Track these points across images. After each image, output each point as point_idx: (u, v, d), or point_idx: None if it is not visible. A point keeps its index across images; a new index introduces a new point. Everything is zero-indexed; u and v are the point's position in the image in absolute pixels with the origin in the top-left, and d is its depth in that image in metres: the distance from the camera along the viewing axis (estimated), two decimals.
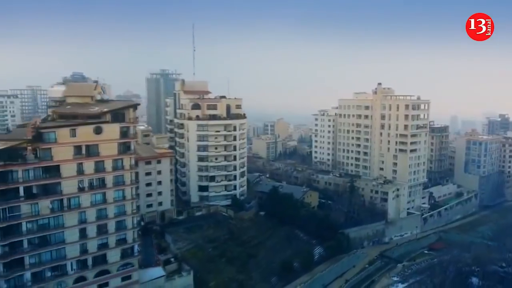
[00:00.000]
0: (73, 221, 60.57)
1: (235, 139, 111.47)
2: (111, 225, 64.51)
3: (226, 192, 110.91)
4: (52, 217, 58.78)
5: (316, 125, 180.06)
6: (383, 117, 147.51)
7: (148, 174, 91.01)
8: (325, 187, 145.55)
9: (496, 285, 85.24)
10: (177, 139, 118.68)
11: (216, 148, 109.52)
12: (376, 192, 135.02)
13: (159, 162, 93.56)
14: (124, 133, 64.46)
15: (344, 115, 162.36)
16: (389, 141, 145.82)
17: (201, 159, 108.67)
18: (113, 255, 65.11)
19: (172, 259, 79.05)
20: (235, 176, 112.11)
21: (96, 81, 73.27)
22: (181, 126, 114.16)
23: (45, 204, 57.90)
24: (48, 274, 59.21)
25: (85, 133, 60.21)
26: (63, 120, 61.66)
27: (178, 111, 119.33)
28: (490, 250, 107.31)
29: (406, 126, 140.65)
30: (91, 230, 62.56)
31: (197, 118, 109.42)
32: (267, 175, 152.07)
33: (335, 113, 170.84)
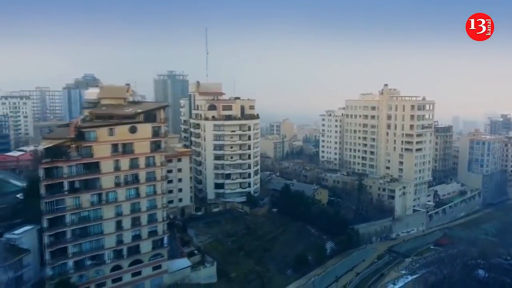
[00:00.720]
0: (110, 214, 65.39)
1: (249, 138, 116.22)
2: (144, 218, 69.30)
3: (240, 190, 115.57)
4: (92, 210, 63.64)
5: (323, 125, 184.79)
6: (389, 117, 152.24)
7: (169, 171, 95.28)
8: (334, 185, 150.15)
9: (501, 276, 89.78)
10: (192, 138, 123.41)
11: (231, 147, 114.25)
12: (384, 189, 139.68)
13: (179, 160, 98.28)
14: (155, 132, 69.28)
15: (351, 115, 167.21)
16: (395, 141, 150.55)
17: (217, 157, 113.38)
18: (145, 246, 69.91)
19: (196, 252, 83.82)
20: (249, 174, 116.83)
21: (128, 84, 78.04)
22: (197, 126, 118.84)
23: (86, 198, 62.73)
24: (88, 262, 64.05)
25: (121, 132, 65.05)
26: (100, 120, 66.40)
27: (193, 111, 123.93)
28: (494, 245, 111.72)
29: (412, 126, 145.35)
30: (126, 222, 67.38)
31: (213, 118, 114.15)
32: (278, 174, 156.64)
33: (342, 114, 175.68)
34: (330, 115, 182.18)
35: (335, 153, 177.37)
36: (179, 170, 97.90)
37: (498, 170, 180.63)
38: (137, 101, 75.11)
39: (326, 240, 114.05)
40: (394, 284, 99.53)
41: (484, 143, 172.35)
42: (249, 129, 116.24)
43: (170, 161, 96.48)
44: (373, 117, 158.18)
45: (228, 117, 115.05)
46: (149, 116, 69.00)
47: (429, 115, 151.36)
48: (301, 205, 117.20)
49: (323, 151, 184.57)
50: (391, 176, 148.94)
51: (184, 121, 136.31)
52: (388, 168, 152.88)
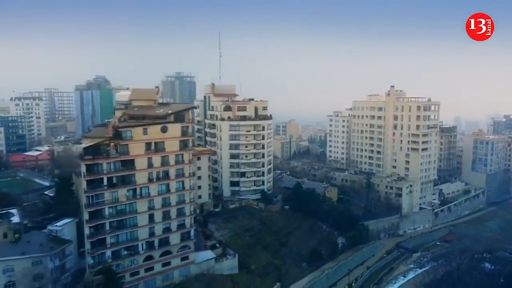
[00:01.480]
0: (143, 208, 70.26)
1: (263, 138, 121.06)
2: (173, 212, 74.17)
3: (255, 187, 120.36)
4: (128, 203, 68.54)
5: (331, 125, 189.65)
6: (395, 117, 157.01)
7: None
8: (342, 183, 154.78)
9: (506, 268, 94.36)
10: (208, 138, 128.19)
11: (246, 147, 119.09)
12: (391, 188, 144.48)
13: (199, 159, 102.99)
14: (184, 132, 74.19)
15: (358, 116, 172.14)
16: (401, 141, 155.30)
17: (233, 156, 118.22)
18: (175, 238, 74.80)
19: (217, 245, 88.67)
20: (263, 172, 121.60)
21: (157, 87, 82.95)
22: (213, 126, 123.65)
23: (122, 193, 67.64)
24: (124, 252, 68.91)
25: (154, 132, 69.96)
26: (134, 121, 71.28)
27: (208, 112, 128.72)
28: (499, 241, 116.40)
29: (418, 126, 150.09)
30: (158, 216, 72.25)
31: (229, 119, 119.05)
32: (288, 173, 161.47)
33: (349, 114, 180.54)
34: (337, 115, 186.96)
35: (342, 153, 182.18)
36: (199, 168, 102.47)
37: (501, 169, 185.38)
38: (166, 103, 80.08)
39: (337, 236, 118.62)
40: (404, 276, 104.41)
41: (488, 143, 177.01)
42: (263, 129, 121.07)
43: None
44: (379, 117, 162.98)
45: (243, 118, 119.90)
46: (178, 116, 73.91)
47: (435, 115, 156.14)
48: (312, 202, 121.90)
49: (330, 151, 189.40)
50: (398, 175, 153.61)
51: (198, 121, 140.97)
52: (394, 167, 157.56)
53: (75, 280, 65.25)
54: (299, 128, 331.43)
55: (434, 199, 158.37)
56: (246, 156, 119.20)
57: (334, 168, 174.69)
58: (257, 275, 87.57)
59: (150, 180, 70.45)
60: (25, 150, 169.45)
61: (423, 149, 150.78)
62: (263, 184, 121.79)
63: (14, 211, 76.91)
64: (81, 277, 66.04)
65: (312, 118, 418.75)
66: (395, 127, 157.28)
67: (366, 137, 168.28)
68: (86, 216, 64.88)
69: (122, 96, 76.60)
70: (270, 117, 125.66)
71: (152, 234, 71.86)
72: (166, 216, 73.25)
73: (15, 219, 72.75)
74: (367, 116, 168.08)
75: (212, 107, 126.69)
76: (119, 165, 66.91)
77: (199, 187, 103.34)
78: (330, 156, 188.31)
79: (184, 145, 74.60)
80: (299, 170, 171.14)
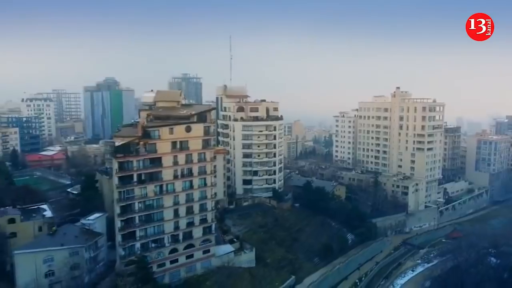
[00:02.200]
0: (169, 203, 74.55)
1: (274, 138, 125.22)
2: (196, 207, 78.45)
3: (267, 185, 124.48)
4: (155, 199, 72.86)
5: (337, 126, 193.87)
6: (401, 118, 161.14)
7: None
8: (349, 182, 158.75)
9: (511, 262, 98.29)
10: (220, 138, 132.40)
11: (258, 146, 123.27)
12: (397, 186, 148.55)
13: (214, 157, 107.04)
14: (206, 131, 78.49)
15: (364, 116, 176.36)
16: (407, 141, 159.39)
17: (246, 156, 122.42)
18: (197, 232, 79.06)
19: (235, 239, 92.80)
20: (274, 171, 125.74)
21: (180, 89, 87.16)
22: (226, 126, 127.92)
23: (150, 188, 71.93)
24: (152, 245, 73.15)
25: (179, 131, 74.26)
26: (159, 121, 75.50)
27: (221, 113, 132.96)
28: (503, 236, 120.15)
29: (423, 127, 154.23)
30: (182, 211, 76.54)
31: (242, 119, 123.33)
32: (296, 172, 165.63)
33: (355, 115, 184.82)
34: (343, 116, 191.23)
35: (349, 153, 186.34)
36: (214, 166, 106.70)
37: (504, 169, 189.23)
38: (188, 104, 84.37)
39: (346, 232, 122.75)
40: (413, 270, 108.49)
41: (491, 143, 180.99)
42: (275, 129, 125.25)
43: None
44: (385, 118, 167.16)
45: (255, 118, 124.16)
46: (201, 117, 78.17)
47: (439, 116, 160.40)
48: (322, 200, 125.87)
49: (336, 151, 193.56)
50: (404, 174, 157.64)
51: None
52: (400, 166, 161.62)
53: (107, 270, 69.41)
54: (304, 128, 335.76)
55: (439, 198, 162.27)
56: (259, 155, 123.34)
57: (341, 167, 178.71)
58: (273, 269, 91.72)
59: (176, 177, 74.73)
60: (38, 150, 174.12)
61: (428, 149, 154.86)
62: (274, 182, 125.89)
63: (44, 206, 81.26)
64: (112, 268, 70.28)
65: (313, 118, 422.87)
66: (400, 127, 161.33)
67: (372, 137, 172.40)
68: (117, 210, 69.14)
69: (147, 97, 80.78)
70: (281, 118, 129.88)
71: (177, 228, 76.10)
72: (189, 211, 77.49)
73: (48, 213, 77.18)
74: (373, 117, 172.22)
75: (225, 108, 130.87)
76: (147, 163, 71.17)
77: (215, 185, 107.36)
78: (337, 156, 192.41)
79: (206, 144, 78.88)
80: (307, 170, 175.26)
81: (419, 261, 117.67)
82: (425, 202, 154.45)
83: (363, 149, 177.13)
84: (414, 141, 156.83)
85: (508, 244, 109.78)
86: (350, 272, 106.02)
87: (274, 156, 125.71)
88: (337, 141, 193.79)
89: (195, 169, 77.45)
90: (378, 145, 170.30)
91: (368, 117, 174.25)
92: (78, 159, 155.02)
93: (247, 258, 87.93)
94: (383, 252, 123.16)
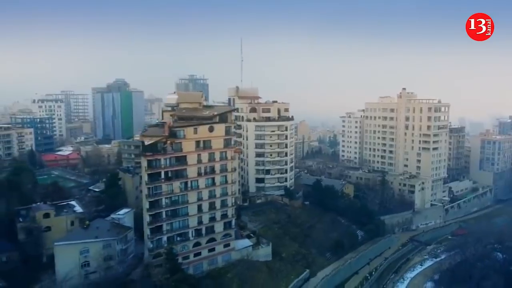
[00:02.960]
0: (193, 199, 78.79)
1: (286, 138, 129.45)
2: (218, 203, 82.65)
3: (278, 184, 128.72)
4: (180, 195, 77.06)
5: (343, 126, 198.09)
6: (407, 118, 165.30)
7: None
8: (357, 181, 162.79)
9: None
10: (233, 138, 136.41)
11: (271, 146, 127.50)
12: (404, 185, 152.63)
13: (234, 156, 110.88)
14: (227, 131, 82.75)
15: (370, 117, 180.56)
16: (413, 140, 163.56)
17: (258, 155, 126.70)
18: (219, 227, 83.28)
19: (251, 235, 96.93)
20: (286, 170, 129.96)
21: (201, 91, 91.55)
22: (239, 126, 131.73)
23: (176, 185, 76.19)
24: (177, 238, 77.36)
25: (202, 131, 78.54)
26: (183, 121, 79.72)
27: (234, 113, 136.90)
28: (508, 233, 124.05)
29: (428, 127, 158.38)
30: (205, 206, 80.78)
31: (254, 120, 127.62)
32: (305, 171, 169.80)
33: (361, 116, 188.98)
34: (349, 116, 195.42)
35: (355, 152, 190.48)
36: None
37: (508, 168, 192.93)
38: (210, 105, 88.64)
39: (355, 229, 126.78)
40: (421, 265, 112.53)
41: (495, 143, 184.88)
42: (286, 129, 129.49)
43: None
44: (391, 118, 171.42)
45: (267, 119, 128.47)
46: (222, 117, 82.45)
47: (444, 116, 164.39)
48: (331, 198, 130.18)
49: (343, 150, 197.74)
50: (410, 173, 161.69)
51: None
52: (406, 165, 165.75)
53: (136, 262, 73.64)
54: (309, 129, 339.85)
55: (444, 196, 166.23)
56: (271, 155, 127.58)
57: (348, 167, 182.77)
58: (288, 262, 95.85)
59: (199, 174, 78.99)
60: (52, 150, 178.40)
61: (434, 149, 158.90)
62: (286, 180, 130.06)
63: (73, 202, 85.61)
64: (140, 260, 74.53)
65: (315, 118, 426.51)
66: (406, 127, 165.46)
67: (378, 137, 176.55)
68: (146, 205, 73.39)
69: (170, 99, 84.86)
70: (292, 118, 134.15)
71: (200, 222, 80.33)
72: (211, 206, 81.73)
73: (77, 209, 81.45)
74: (379, 117, 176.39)
75: (237, 108, 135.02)
76: (173, 161, 75.44)
77: None
78: (343, 156, 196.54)
79: (227, 143, 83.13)
80: (314, 169, 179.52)
81: (427, 257, 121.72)
82: (431, 201, 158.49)
83: (370, 148, 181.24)
84: (420, 141, 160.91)
85: None
86: (360, 266, 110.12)
87: (286, 155, 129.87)
88: (343, 141, 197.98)
89: (217, 167, 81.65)
90: (384, 144, 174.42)
91: (375, 117, 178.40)
92: (92, 159, 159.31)
93: (264, 252, 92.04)
94: (391, 248, 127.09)
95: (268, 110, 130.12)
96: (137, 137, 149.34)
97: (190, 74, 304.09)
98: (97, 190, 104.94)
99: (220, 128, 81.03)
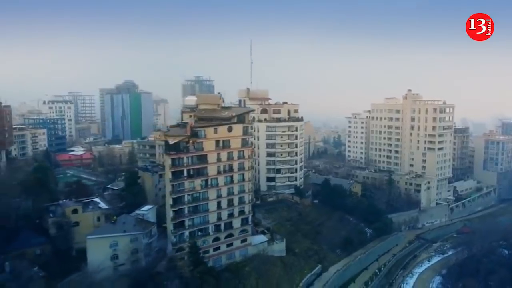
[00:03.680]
0: (213, 196, 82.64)
1: (296, 138, 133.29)
2: (236, 200, 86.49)
3: (289, 183, 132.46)
4: (201, 192, 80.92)
5: (349, 126, 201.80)
6: (412, 119, 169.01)
7: None
8: (364, 181, 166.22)
9: None
10: None
11: (281, 146, 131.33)
12: (410, 184, 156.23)
13: (251, 155, 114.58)
14: (245, 131, 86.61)
15: (376, 117, 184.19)
16: (418, 141, 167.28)
17: (269, 155, 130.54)
18: (236, 223, 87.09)
19: (266, 231, 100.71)
20: (296, 169, 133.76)
21: (219, 93, 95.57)
22: (250, 127, 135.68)
23: (197, 182, 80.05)
24: (198, 233, 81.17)
25: (222, 131, 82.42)
26: (203, 122, 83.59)
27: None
28: None
29: (434, 127, 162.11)
30: (224, 203, 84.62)
31: (265, 120, 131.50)
32: (313, 171, 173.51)
33: (367, 116, 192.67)
34: (355, 117, 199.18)
35: (361, 152, 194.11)
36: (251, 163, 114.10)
37: (511, 168, 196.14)
38: (228, 106, 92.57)
39: (364, 227, 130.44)
40: (429, 261, 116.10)
41: (498, 143, 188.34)
42: (296, 130, 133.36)
43: None
44: (397, 119, 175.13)
45: (278, 120, 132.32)
46: (240, 118, 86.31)
47: (449, 117, 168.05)
48: (340, 196, 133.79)
49: (349, 151, 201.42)
50: (415, 172, 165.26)
51: None
52: (411, 165, 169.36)
53: (160, 255, 77.47)
54: (313, 129, 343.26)
55: (449, 196, 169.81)
56: (281, 155, 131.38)
57: (354, 166, 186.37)
58: (301, 258, 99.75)
59: (219, 172, 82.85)
60: (65, 150, 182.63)
61: (439, 149, 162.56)
62: (296, 180, 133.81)
63: (97, 199, 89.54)
64: (164, 253, 78.35)
65: (316, 119, 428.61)
66: (412, 128, 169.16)
67: (384, 138, 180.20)
68: (170, 202, 77.29)
69: (189, 101, 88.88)
70: (301, 119, 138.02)
71: (219, 218, 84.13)
72: (230, 203, 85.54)
73: (102, 205, 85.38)
74: (385, 118, 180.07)
75: (254, 109, 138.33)
76: (195, 159, 79.30)
77: None
78: (349, 156, 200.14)
79: (244, 143, 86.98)
80: (321, 169, 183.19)
81: (434, 253, 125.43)
82: (436, 200, 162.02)
83: (376, 149, 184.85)
84: (425, 141, 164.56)
85: None
86: (370, 262, 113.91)
87: (296, 155, 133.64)
88: (349, 141, 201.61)
89: (235, 166, 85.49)
90: (390, 145, 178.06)
91: (380, 118, 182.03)
92: (105, 159, 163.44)
93: (279, 247, 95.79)
94: (399, 246, 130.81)
95: (279, 111, 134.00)
96: (151, 138, 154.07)
97: (196, 76, 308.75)
98: (115, 188, 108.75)
99: (238, 128, 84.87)
